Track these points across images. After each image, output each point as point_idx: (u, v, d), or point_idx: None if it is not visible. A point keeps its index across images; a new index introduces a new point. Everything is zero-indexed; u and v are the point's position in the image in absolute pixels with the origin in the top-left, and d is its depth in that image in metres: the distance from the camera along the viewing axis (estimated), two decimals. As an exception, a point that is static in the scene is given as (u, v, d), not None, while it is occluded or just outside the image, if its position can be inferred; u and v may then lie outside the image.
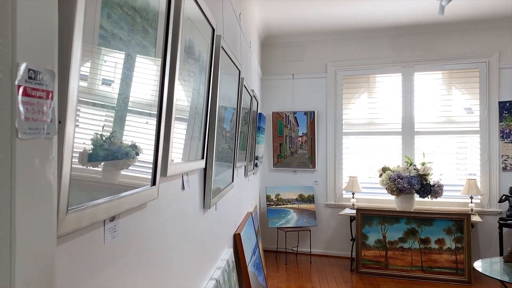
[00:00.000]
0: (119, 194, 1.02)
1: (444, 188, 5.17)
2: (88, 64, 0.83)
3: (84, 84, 0.82)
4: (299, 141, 6.19)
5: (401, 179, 5.08)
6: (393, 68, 5.84)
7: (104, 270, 1.03)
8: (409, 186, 5.04)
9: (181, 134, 1.66)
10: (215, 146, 2.19)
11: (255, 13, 5.07)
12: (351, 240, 5.46)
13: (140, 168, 1.20)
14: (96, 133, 0.89)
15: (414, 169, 5.19)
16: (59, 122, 0.72)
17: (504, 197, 5.08)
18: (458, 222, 4.92)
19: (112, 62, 0.93)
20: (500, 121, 5.34)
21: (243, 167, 4.21)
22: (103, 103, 0.92)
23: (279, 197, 5.94)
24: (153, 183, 1.29)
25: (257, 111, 4.98)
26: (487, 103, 5.43)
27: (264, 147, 6.16)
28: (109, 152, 0.96)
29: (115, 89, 0.96)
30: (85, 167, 0.86)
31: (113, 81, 0.95)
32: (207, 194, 2.20)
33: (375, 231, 5.18)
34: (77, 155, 0.81)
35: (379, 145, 5.87)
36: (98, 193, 0.93)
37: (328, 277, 5.05)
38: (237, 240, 3.35)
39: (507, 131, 5.31)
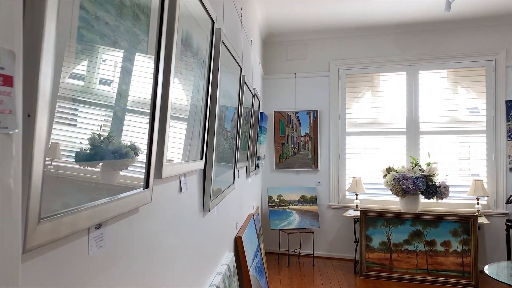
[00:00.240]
0: (105, 199, 0.91)
1: (450, 189, 5.06)
2: (67, 53, 0.72)
3: (66, 77, 0.71)
4: (301, 141, 6.08)
5: (406, 180, 4.96)
6: (397, 67, 5.72)
7: (88, 284, 0.92)
8: (414, 187, 4.92)
9: (178, 133, 1.55)
10: (215, 146, 2.08)
11: (256, 10, 4.96)
12: (355, 242, 5.35)
13: (132, 169, 1.09)
14: (93, 132, 0.78)
15: (419, 169, 5.08)
16: (28, 116, 0.61)
17: (511, 198, 4.97)
18: (465, 224, 4.80)
19: (95, 50, 0.82)
20: (507, 120, 5.22)
21: (245, 167, 4.10)
22: (79, 98, 0.80)
23: (281, 198, 5.83)
24: (146, 185, 1.18)
25: (258, 110, 4.87)
26: (494, 102, 5.32)
27: (266, 147, 6.05)
28: (99, 151, 0.85)
29: (97, 83, 0.85)
30: (66, 170, 0.75)
31: (94, 73, 0.83)
32: (207, 196, 2.09)
33: (379, 233, 5.06)
34: (63, 154, 0.70)
35: (383, 145, 5.76)
36: (82, 198, 0.82)
37: (332, 280, 4.94)
38: (238, 244, 3.24)
39: (515, 130, 5.21)
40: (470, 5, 4.90)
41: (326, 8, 5.06)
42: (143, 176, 1.16)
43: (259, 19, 5.31)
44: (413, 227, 4.97)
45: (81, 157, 0.80)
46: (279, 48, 6.20)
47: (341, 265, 5.55)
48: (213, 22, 1.88)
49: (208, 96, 1.90)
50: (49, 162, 0.69)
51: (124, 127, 1.00)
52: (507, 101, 5.23)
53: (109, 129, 0.91)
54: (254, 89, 4.05)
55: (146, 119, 1.15)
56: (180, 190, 1.67)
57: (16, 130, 0.50)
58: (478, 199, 5.10)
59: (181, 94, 1.48)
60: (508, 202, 5.01)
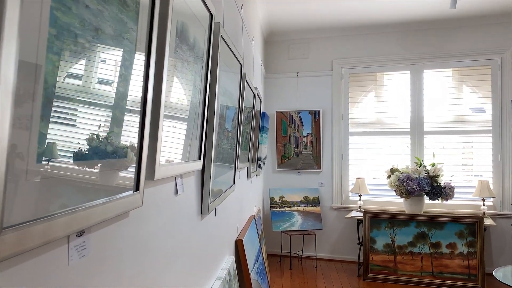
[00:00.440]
0: (86, 204, 0.82)
1: (455, 190, 4.96)
2: (37, 39, 0.63)
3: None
4: (303, 141, 5.99)
5: (411, 180, 4.87)
6: (401, 66, 5.63)
7: (69, 297, 0.83)
8: (418, 188, 4.83)
9: (174, 133, 1.46)
10: (214, 146, 1.98)
11: (258, 8, 4.88)
12: (358, 244, 5.25)
13: (119, 170, 1.00)
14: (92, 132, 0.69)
15: (424, 170, 4.98)
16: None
17: (518, 199, 4.87)
18: (470, 226, 4.70)
19: (72, 36, 0.72)
20: (514, 120, 5.13)
21: (246, 168, 4.01)
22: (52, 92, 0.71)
23: (283, 199, 5.74)
24: (136, 188, 1.09)
25: (260, 109, 4.78)
26: (500, 101, 5.21)
27: (267, 148, 5.96)
28: (99, 149, 0.76)
29: (73, 73, 0.76)
30: (43, 169, 0.66)
31: (72, 63, 0.74)
32: (205, 199, 1.99)
33: (383, 234, 4.97)
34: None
35: (387, 145, 5.66)
36: (61, 202, 0.73)
37: (335, 282, 4.85)
38: (239, 247, 3.15)
39: (521, 130, 5.10)
40: (475, 3, 4.80)
41: (328, 6, 4.97)
42: (132, 178, 1.06)
43: (261, 18, 5.22)
44: (418, 229, 4.87)
45: (77, 156, 0.71)
46: (281, 47, 6.12)
47: (345, 267, 5.45)
48: (211, 15, 1.79)
49: (206, 93, 1.81)
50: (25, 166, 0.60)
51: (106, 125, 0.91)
52: (513, 100, 5.13)
53: (97, 128, 0.82)
54: (255, 88, 3.96)
55: (136, 118, 1.06)
56: (176, 192, 1.58)
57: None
58: (484, 200, 5.00)
59: (176, 90, 1.39)
60: (515, 203, 4.91)
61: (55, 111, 0.69)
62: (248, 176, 4.13)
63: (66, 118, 0.74)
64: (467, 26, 5.35)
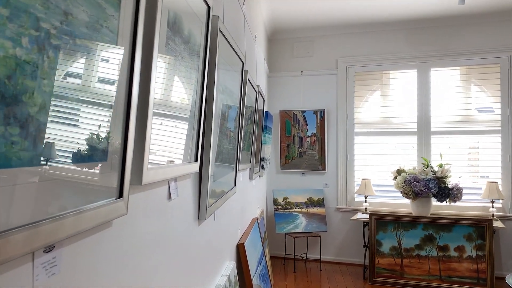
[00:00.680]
0: (57, 214, 0.71)
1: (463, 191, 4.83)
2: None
3: None
4: (308, 141, 5.88)
5: (418, 182, 4.74)
6: (408, 64, 5.50)
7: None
8: (426, 190, 4.70)
9: (169, 132, 1.36)
10: (212, 146, 1.87)
11: (261, 6, 4.77)
12: (364, 246, 5.13)
13: (97, 173, 0.90)
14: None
15: (431, 171, 4.85)
16: None
17: (529, 201, 4.74)
18: (479, 228, 4.58)
19: (33, 19, 0.62)
20: (524, 119, 5.00)
21: (248, 169, 3.90)
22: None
23: (287, 200, 5.63)
24: (120, 194, 0.98)
25: (263, 109, 4.67)
26: (509, 100, 5.07)
27: (271, 148, 5.85)
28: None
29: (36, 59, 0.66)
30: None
31: (34, 52, 0.63)
32: (203, 203, 1.88)
33: (389, 237, 4.85)
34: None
35: (393, 145, 5.54)
36: (21, 215, 0.62)
37: (340, 285, 4.74)
38: (240, 251, 3.04)
39: (532, 130, 4.97)
40: (485, -1, 4.68)
41: (333, 3, 4.85)
42: (115, 183, 0.96)
43: (264, 15, 5.11)
44: (425, 232, 4.75)
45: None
46: (285, 45, 6.01)
47: (350, 270, 5.33)
48: (208, 7, 1.68)
49: (203, 91, 1.70)
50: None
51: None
52: (524, 100, 5.00)
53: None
54: (258, 86, 3.85)
55: (121, 115, 0.96)
56: (169, 197, 1.47)
57: None
58: (492, 202, 4.87)
59: (168, 86, 1.28)
60: (525, 205, 4.78)
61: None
62: (251, 178, 4.02)
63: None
64: (476, 24, 5.22)
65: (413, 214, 4.94)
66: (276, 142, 5.98)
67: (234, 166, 2.77)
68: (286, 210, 5.56)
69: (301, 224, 5.47)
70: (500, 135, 5.12)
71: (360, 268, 5.30)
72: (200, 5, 1.57)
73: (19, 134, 0.60)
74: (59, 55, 0.68)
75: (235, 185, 2.84)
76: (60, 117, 0.71)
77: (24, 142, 0.62)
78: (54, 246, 0.75)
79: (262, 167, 4.84)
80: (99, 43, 0.82)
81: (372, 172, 5.59)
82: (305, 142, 5.89)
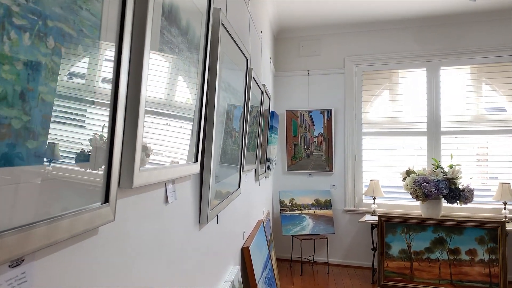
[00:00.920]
0: (24, 223, 0.61)
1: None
2: None
3: None
4: (314, 141, 5.77)
5: (428, 183, 4.62)
6: (417, 63, 5.38)
7: None
8: (436, 191, 4.58)
9: (162, 131, 1.26)
10: (214, 146, 1.77)
11: (267, 4, 4.66)
12: (373, 249, 5.01)
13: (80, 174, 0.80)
14: None
15: (442, 172, 4.72)
16: None
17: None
18: (492, 231, 4.44)
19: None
20: (538, 119, 4.86)
21: (253, 170, 3.80)
22: None
23: (294, 202, 5.52)
24: (106, 199, 0.88)
25: (269, 108, 4.56)
26: (522, 99, 4.95)
27: (277, 148, 5.74)
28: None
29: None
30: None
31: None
32: (204, 206, 1.78)
33: (398, 240, 4.72)
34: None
35: (402, 146, 5.41)
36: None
37: (347, 290, 4.63)
38: (245, 255, 2.93)
39: (546, 130, 4.83)
40: (497, -5, 4.55)
41: (340, 1, 4.74)
42: (99, 187, 0.86)
43: (270, 14, 5.01)
44: (435, 234, 4.62)
45: None
46: (291, 44, 5.90)
47: (358, 273, 5.22)
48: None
49: (204, 87, 1.60)
50: None
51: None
52: (537, 98, 4.86)
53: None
54: (263, 85, 3.75)
55: (106, 112, 0.86)
56: (166, 200, 1.37)
57: None
58: (505, 204, 4.73)
59: (163, 80, 1.18)
60: (539, 207, 4.64)
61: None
62: (256, 179, 3.92)
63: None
64: (487, 21, 5.08)
65: (423, 216, 4.82)
66: (282, 142, 5.87)
67: (239, 167, 2.68)
68: (292, 212, 5.46)
69: (308, 226, 5.36)
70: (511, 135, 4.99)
71: (369, 271, 5.18)
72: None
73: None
74: (24, 38, 0.58)
75: (239, 186, 2.74)
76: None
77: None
78: (23, 260, 0.66)
79: (268, 168, 4.74)
80: (78, 27, 0.72)
81: (381, 173, 5.47)
82: (312, 142, 5.78)
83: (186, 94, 1.43)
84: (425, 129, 5.30)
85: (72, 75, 0.72)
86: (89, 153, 0.80)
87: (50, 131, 0.67)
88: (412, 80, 5.43)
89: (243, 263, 2.99)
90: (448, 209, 5.01)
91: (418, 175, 4.78)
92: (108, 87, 0.86)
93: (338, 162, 5.66)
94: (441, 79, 5.27)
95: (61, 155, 0.70)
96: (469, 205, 4.85)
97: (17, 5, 0.56)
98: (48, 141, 0.66)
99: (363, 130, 5.56)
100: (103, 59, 0.83)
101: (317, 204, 5.53)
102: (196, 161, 1.60)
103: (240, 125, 2.60)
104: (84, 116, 0.78)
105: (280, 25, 5.61)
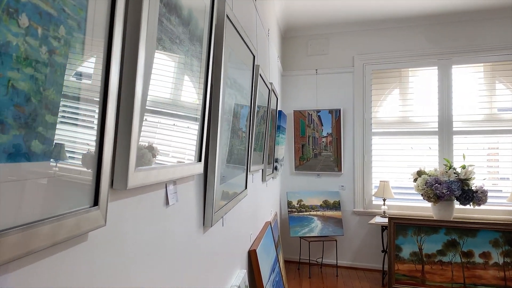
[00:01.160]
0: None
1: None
2: None
3: None
4: (323, 142, 5.67)
5: (439, 184, 4.50)
6: (428, 61, 5.26)
7: None
8: (448, 192, 4.45)
9: (168, 130, 1.18)
10: (218, 144, 1.68)
11: (275, 2, 4.57)
12: (383, 251, 4.90)
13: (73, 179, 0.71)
14: None
15: (454, 172, 4.60)
16: None
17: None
18: (507, 234, 4.31)
19: None
20: (554, 118, 4.73)
21: (260, 170, 3.71)
22: None
23: (302, 203, 5.42)
24: (95, 202, 0.79)
25: (276, 108, 4.47)
26: (537, 98, 4.82)
27: (284, 149, 5.65)
28: None
29: None
30: None
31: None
32: (208, 208, 1.69)
33: (409, 242, 4.60)
34: None
35: (413, 146, 5.29)
36: None
37: (357, 293, 4.52)
38: (252, 258, 2.84)
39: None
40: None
41: (350, -3, 4.65)
42: (87, 188, 0.77)
43: (277, 12, 4.92)
44: (448, 236, 4.49)
45: None
46: (299, 43, 5.81)
47: (367, 276, 5.11)
48: (212, -11, 1.49)
49: (208, 82, 1.51)
50: None
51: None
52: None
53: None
54: (271, 83, 3.65)
55: (94, 107, 0.77)
56: (167, 203, 1.28)
57: None
58: (519, 205, 4.61)
59: (162, 74, 1.09)
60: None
61: None
62: (263, 179, 3.82)
63: None
64: (500, 18, 4.95)
65: (435, 218, 4.70)
66: (290, 142, 5.78)
67: (245, 168, 2.58)
68: (300, 213, 5.36)
69: (316, 227, 5.26)
70: (527, 134, 4.86)
71: (378, 274, 5.08)
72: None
73: None
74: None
75: (246, 187, 2.65)
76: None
77: None
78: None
79: (276, 168, 4.64)
80: (59, 5, 0.63)
81: (391, 173, 5.35)
82: (320, 142, 5.68)
83: (188, 88, 1.34)
84: (437, 129, 5.18)
85: (52, 61, 0.63)
86: (74, 150, 0.71)
87: (25, 123, 0.58)
88: (423, 79, 5.31)
89: (250, 266, 2.90)
90: (460, 210, 4.89)
91: (429, 176, 4.66)
92: (97, 77, 0.77)
93: (347, 162, 5.55)
94: (453, 77, 5.15)
95: (38, 151, 0.62)
96: (482, 207, 4.72)
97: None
98: (22, 134, 0.58)
99: (373, 130, 5.45)
100: (91, 45, 0.74)
101: (326, 206, 5.43)
102: (200, 160, 1.51)
103: (247, 125, 2.51)
104: (66, 108, 0.69)
105: (287, 24, 5.52)
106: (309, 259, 5.29)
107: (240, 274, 2.49)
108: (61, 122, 0.67)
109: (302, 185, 5.73)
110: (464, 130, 5.08)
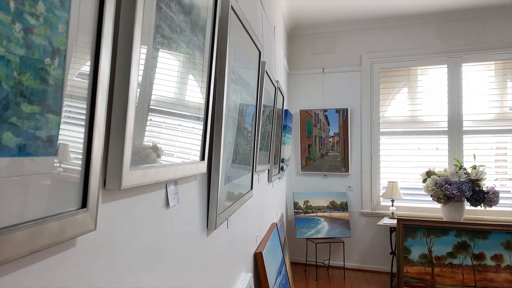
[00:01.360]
0: None
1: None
2: None
3: None
4: (330, 142, 5.57)
5: (449, 184, 4.39)
6: (437, 59, 5.15)
7: None
8: (459, 193, 4.35)
9: (168, 124, 1.10)
10: (223, 142, 1.60)
11: (281, 1, 4.48)
12: (391, 253, 4.80)
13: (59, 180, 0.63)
14: None
15: (465, 173, 4.49)
16: None
17: None
18: (519, 236, 4.20)
19: None
20: None
21: (266, 171, 3.62)
22: None
23: (308, 204, 5.33)
24: (83, 203, 0.71)
25: (282, 107, 4.38)
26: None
27: (290, 149, 5.56)
28: None
29: None
30: None
31: None
32: (212, 210, 1.61)
33: (419, 244, 4.49)
34: None
35: (422, 146, 5.18)
36: None
37: (365, 296, 4.43)
38: (258, 261, 2.76)
39: None
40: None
41: (357, -7, 4.56)
42: (73, 189, 0.68)
43: (284, 9, 4.84)
44: (458, 238, 4.38)
45: None
46: (306, 41, 5.71)
47: (375, 278, 5.00)
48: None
49: (212, 76, 1.43)
50: None
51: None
52: None
53: None
54: (277, 81, 3.57)
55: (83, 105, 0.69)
56: (167, 204, 1.20)
57: None
58: (532, 206, 4.49)
59: (160, 64, 1.01)
60: None
61: None
62: (269, 180, 3.74)
63: None
64: (511, 15, 4.84)
65: (445, 220, 4.59)
66: (296, 143, 5.69)
67: (251, 167, 2.50)
68: (307, 214, 5.27)
69: (323, 229, 5.16)
70: (539, 134, 4.74)
71: (387, 276, 4.98)
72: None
73: None
74: None
75: (251, 188, 2.57)
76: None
77: None
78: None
79: (282, 168, 4.55)
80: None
81: (399, 174, 5.24)
82: (327, 142, 5.59)
83: (190, 81, 1.25)
84: (446, 128, 5.07)
85: (29, 41, 0.55)
86: (55, 143, 0.63)
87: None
88: (432, 78, 5.20)
89: (256, 269, 2.81)
90: (470, 212, 4.78)
91: (439, 176, 4.56)
92: (85, 63, 0.69)
93: (355, 163, 5.45)
94: (463, 76, 5.04)
95: (11, 145, 0.53)
96: (494, 208, 4.62)
97: None
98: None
99: (381, 130, 5.35)
100: (77, 26, 0.65)
101: (333, 207, 5.34)
102: (203, 159, 1.42)
103: (253, 124, 2.42)
104: (47, 96, 0.60)
105: (294, 22, 5.43)
106: (316, 261, 5.20)
107: (246, 278, 2.40)
108: (42, 113, 0.59)
109: (308, 185, 5.64)
110: (475, 129, 4.97)
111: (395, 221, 4.67)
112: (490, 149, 4.95)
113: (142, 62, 0.88)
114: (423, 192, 4.77)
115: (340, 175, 5.52)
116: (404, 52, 5.25)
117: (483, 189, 4.43)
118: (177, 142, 1.20)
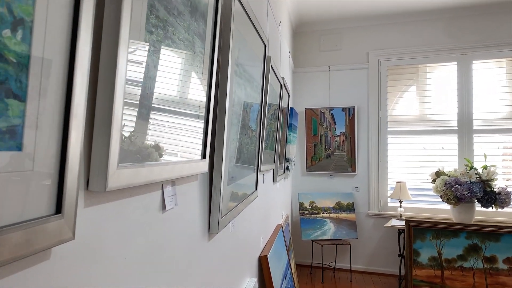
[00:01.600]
0: None
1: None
2: None
3: None
4: (336, 141, 5.45)
5: (460, 185, 4.26)
6: (446, 57, 5.02)
7: None
8: (469, 194, 4.22)
9: (162, 120, 0.98)
10: (226, 140, 1.48)
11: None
12: (399, 256, 4.67)
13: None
14: None
15: (475, 173, 4.36)
16: None
17: None
18: (532, 238, 4.07)
19: None
20: None
21: (271, 170, 3.51)
22: None
23: (314, 205, 5.21)
24: (58, 209, 0.59)
25: (288, 105, 4.26)
26: None
27: (296, 148, 5.44)
28: None
29: None
30: None
31: None
32: (214, 212, 1.49)
33: (428, 246, 4.37)
34: None
35: (431, 145, 5.05)
36: None
37: (373, 300, 4.30)
38: (263, 265, 2.64)
39: None
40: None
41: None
42: (44, 191, 0.57)
43: (289, 6, 4.72)
44: (469, 241, 4.25)
45: None
46: (311, 39, 5.59)
47: (383, 281, 4.88)
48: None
49: (213, 68, 1.31)
50: None
51: None
52: None
53: None
54: (283, 78, 3.45)
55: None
56: (163, 207, 1.08)
57: None
58: (545, 208, 4.36)
59: (154, 51, 0.89)
60: None
61: None
62: (275, 180, 3.62)
63: None
64: (524, 10, 4.71)
65: (455, 221, 4.46)
66: (301, 142, 5.57)
67: (256, 167, 2.38)
68: (313, 215, 5.15)
69: (329, 230, 5.04)
70: (551, 133, 4.60)
71: (394, 279, 4.85)
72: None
73: None
74: None
75: (256, 188, 2.45)
76: None
77: None
78: None
79: (287, 168, 4.44)
80: None
81: (408, 174, 5.11)
82: (333, 142, 5.46)
83: (191, 74, 1.14)
84: (456, 127, 4.93)
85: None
86: (19, 137, 0.51)
87: None
88: (441, 75, 5.07)
89: (261, 273, 2.70)
90: (481, 213, 4.65)
91: (449, 176, 4.43)
92: (60, 39, 0.57)
93: (361, 162, 5.33)
94: (473, 73, 4.90)
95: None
96: (506, 209, 4.49)
97: None
98: None
99: (389, 129, 5.22)
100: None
101: (339, 207, 5.21)
102: (204, 157, 1.30)
103: (257, 122, 2.31)
104: (4, 75, 0.49)
105: (299, 18, 5.31)
106: (322, 263, 5.07)
107: (250, 284, 2.28)
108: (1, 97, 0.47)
109: (314, 186, 5.52)
110: (486, 128, 4.84)
111: (403, 223, 4.54)
112: (497, 149, 4.82)
113: (133, 46, 0.77)
114: (432, 193, 4.64)
115: (346, 175, 5.40)
116: (412, 49, 5.13)
117: (495, 189, 4.30)
118: (178, 141, 1.09)
